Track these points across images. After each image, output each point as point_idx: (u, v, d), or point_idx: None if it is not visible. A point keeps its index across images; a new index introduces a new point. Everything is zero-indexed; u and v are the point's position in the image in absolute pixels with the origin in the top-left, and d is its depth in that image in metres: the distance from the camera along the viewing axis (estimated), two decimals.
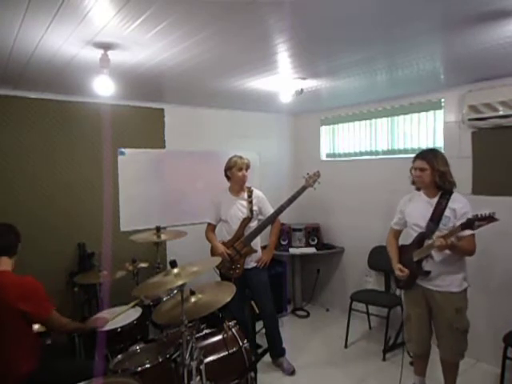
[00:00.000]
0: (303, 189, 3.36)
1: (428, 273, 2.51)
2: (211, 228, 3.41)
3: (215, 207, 3.37)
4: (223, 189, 3.40)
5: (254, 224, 3.31)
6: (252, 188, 3.41)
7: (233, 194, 3.36)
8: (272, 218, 3.31)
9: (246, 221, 3.28)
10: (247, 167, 3.33)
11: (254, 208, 3.31)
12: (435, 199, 2.52)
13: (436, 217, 2.48)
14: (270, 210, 3.34)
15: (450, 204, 2.46)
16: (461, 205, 2.43)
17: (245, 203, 3.32)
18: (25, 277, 2.11)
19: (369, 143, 4.28)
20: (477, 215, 2.21)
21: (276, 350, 3.37)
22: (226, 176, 3.36)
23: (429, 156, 2.52)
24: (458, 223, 2.34)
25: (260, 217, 3.36)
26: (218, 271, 3.38)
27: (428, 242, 2.49)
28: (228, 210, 3.31)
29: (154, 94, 3.66)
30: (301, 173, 3.68)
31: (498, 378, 2.83)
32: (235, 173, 3.29)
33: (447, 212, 2.45)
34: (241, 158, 3.34)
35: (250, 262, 3.30)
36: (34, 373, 2.07)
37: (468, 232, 2.32)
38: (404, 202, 2.76)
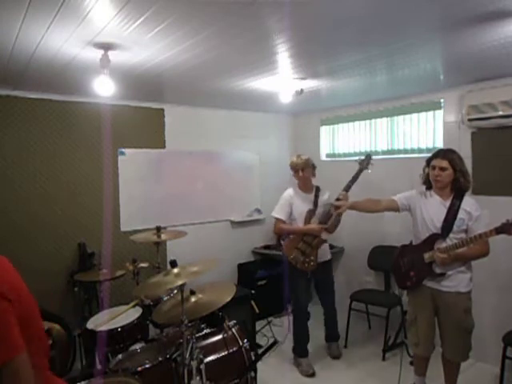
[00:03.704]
0: (359, 171, 3.25)
1: (442, 275, 2.48)
2: (282, 222, 3.36)
3: (289, 204, 3.36)
4: (292, 186, 3.47)
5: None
6: (320, 187, 3.44)
7: (303, 191, 3.41)
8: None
9: (311, 213, 3.31)
10: (302, 168, 3.36)
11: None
12: (448, 201, 2.50)
13: (450, 218, 2.46)
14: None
15: (464, 206, 2.44)
16: (474, 207, 2.43)
17: (312, 198, 3.37)
18: None
19: (369, 143, 4.28)
20: None
21: (332, 335, 3.60)
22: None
23: (450, 155, 2.48)
24: (480, 230, 2.34)
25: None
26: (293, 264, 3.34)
27: (441, 244, 2.47)
28: (299, 207, 3.34)
29: (154, 94, 3.66)
30: None
31: (498, 378, 2.83)
32: (294, 175, 3.43)
33: (461, 214, 2.44)
34: (296, 158, 3.42)
35: (325, 256, 3.42)
36: None
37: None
38: (417, 194, 2.67)
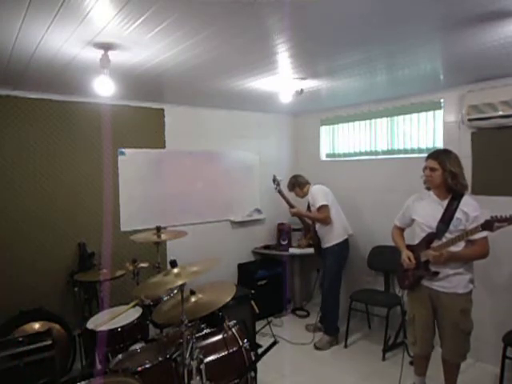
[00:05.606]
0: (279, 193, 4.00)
1: (436, 273, 2.50)
2: None
3: None
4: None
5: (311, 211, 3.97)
6: (311, 188, 3.96)
7: None
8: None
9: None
10: (288, 187, 4.08)
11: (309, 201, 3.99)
12: (446, 201, 2.50)
13: (447, 218, 2.45)
14: (314, 203, 3.86)
15: (462, 207, 2.43)
16: (472, 208, 2.41)
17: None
18: None
19: (369, 143, 4.28)
20: (496, 216, 2.19)
21: (324, 326, 3.87)
22: None
23: (441, 156, 2.49)
24: (470, 227, 2.34)
25: (312, 208, 3.90)
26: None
27: (438, 243, 2.48)
28: None
29: (154, 94, 3.66)
30: (301, 173, 3.77)
31: (498, 378, 2.83)
32: None
33: (458, 214, 2.43)
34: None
35: (324, 244, 3.88)
36: None
37: (482, 234, 2.32)
38: (413, 199, 2.72)
